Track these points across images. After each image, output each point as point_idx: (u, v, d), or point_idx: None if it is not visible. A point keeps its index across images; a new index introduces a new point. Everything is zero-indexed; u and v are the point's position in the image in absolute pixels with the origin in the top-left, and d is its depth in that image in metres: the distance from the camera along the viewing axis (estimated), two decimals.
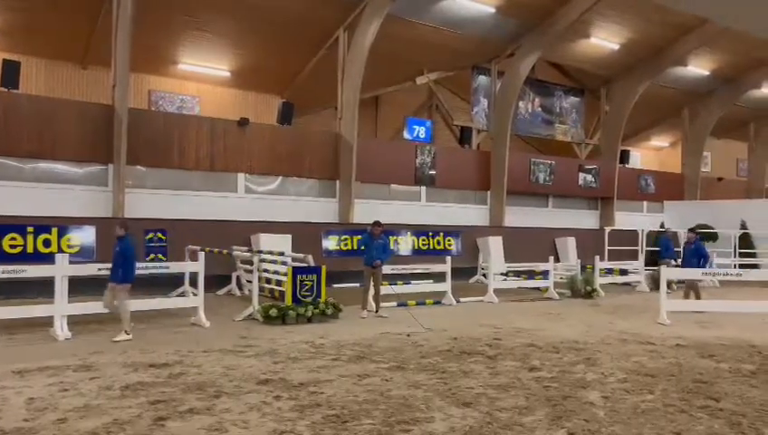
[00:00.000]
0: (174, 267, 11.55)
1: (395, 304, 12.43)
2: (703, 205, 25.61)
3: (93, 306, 9.54)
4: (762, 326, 10.72)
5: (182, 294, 12.39)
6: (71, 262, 9.38)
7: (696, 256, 13.14)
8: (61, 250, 12.54)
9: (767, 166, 30.46)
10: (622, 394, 6.26)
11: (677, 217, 24.74)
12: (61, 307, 8.87)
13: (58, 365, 7.02)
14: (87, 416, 5.26)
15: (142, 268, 10.52)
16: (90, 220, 13.76)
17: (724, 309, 12.04)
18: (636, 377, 7.01)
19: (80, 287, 9.92)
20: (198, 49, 18.98)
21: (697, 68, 24.04)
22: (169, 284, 12.73)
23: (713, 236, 22.15)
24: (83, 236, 13.34)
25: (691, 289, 13.23)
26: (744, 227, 22.80)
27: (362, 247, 11.76)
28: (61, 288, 8.87)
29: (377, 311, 11.54)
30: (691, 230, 13.92)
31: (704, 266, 13.06)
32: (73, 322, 9.09)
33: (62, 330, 8.75)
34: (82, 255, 12.92)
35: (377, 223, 11.82)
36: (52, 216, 13.39)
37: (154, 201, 15.53)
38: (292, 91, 20.82)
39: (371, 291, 11.65)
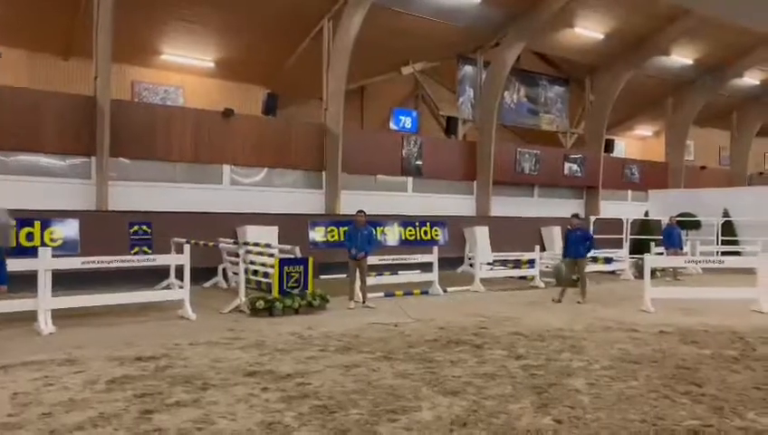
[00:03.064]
0: (159, 260, 11.47)
1: (382, 294, 12.46)
2: (686, 193, 25.85)
3: (77, 300, 9.49)
4: (744, 313, 10.88)
5: (168, 287, 12.34)
6: (54, 255, 9.27)
7: (583, 243, 12.59)
8: (44, 244, 12.41)
9: (749, 154, 30.79)
10: (607, 381, 6.33)
11: (662, 206, 24.96)
12: (44, 301, 8.79)
13: (42, 360, 6.96)
14: (72, 410, 5.23)
15: (126, 261, 10.49)
16: (73, 213, 13.62)
17: (705, 296, 12.20)
18: (620, 364, 7.09)
19: (63, 281, 9.82)
20: (182, 39, 18.78)
21: (681, 57, 24.21)
22: (155, 276, 12.66)
23: (696, 224, 22.38)
24: (66, 230, 13.20)
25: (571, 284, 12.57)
26: (726, 215, 23.06)
27: (351, 239, 11.70)
28: (44, 282, 8.78)
29: (364, 302, 11.55)
30: (575, 216, 13.17)
31: (589, 252, 12.86)
32: (57, 316, 9.00)
33: (45, 324, 8.67)
34: (66, 248, 12.79)
35: (360, 212, 11.81)
36: (35, 209, 13.23)
37: (138, 193, 15.39)
38: (277, 82, 20.68)
39: (357, 282, 11.66)
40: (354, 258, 11.52)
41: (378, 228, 17.53)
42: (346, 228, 15.97)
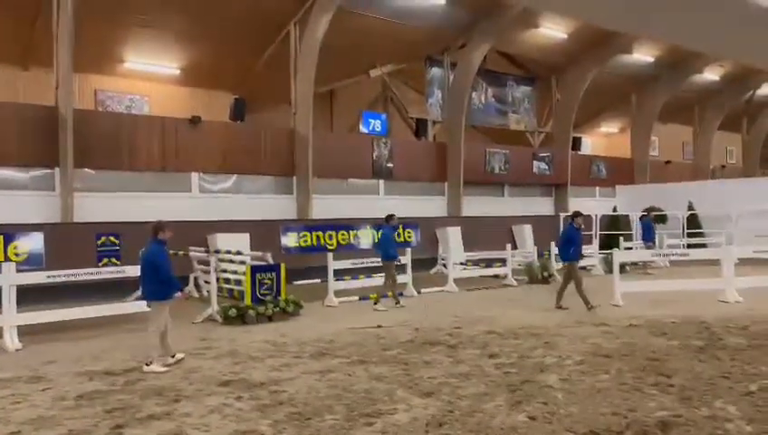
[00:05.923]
0: (129, 271, 11.25)
1: (356, 298, 12.45)
2: (652, 188, 26.33)
3: (44, 316, 9.26)
4: (711, 303, 11.14)
5: (138, 299, 12.11)
6: (18, 270, 9.05)
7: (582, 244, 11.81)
8: (7, 259, 12.08)
9: (711, 148, 31.54)
10: (579, 376, 6.42)
11: (629, 201, 25.41)
12: (9, 318, 8.57)
13: (9, 377, 6.80)
14: (41, 428, 5.12)
15: (95, 273, 10.32)
16: (37, 226, 13.29)
17: (673, 288, 12.45)
18: (592, 358, 7.20)
19: (29, 296, 9.59)
20: (146, 46, 18.50)
21: (642, 55, 24.72)
22: (125, 288, 12.42)
23: (662, 218, 22.83)
24: (31, 244, 12.86)
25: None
26: (691, 208, 23.57)
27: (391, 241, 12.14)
28: (9, 298, 8.57)
29: (397, 302, 11.94)
30: (578, 214, 11.62)
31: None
32: (24, 332, 8.79)
33: (11, 341, 8.47)
34: (30, 262, 12.47)
35: (392, 216, 12.40)
36: None
37: (105, 204, 15.11)
38: (245, 88, 20.50)
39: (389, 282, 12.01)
40: (395, 259, 11.95)
41: (351, 232, 17.53)
42: (319, 233, 16.06)
